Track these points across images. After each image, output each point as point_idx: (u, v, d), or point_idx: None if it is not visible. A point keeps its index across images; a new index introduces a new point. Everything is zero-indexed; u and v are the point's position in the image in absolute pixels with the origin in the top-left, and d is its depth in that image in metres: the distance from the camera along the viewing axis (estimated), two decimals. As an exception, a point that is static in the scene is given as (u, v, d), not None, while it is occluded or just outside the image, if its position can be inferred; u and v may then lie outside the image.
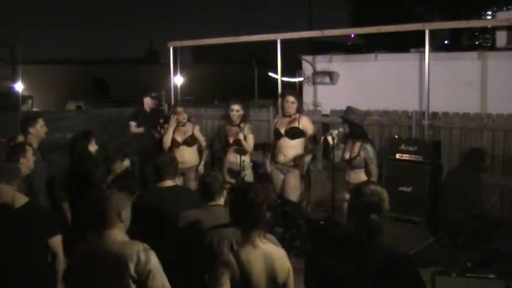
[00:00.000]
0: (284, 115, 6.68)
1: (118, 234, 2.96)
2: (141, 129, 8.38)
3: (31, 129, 5.41)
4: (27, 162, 4.68)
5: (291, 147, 6.53)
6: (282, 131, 6.58)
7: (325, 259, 2.70)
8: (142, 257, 2.87)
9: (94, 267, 2.93)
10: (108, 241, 2.93)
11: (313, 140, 6.79)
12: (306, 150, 6.64)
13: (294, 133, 6.52)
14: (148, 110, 8.63)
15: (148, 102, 8.63)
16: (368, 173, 5.84)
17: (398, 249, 2.65)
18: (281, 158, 6.57)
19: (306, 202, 7.21)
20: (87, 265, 2.98)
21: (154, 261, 2.90)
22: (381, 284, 2.52)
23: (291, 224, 6.15)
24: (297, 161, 6.51)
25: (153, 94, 8.71)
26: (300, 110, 6.74)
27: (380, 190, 2.72)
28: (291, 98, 6.56)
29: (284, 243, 5.01)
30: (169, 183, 4.39)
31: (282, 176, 6.62)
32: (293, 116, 6.57)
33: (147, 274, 2.86)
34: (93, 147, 5.32)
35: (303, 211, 6.73)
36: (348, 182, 5.90)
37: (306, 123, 6.61)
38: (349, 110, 5.96)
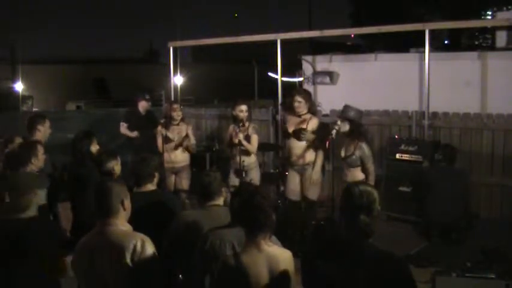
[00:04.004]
0: (294, 115, 6.45)
1: (121, 224, 3.06)
2: (134, 134, 8.27)
3: (40, 127, 5.41)
4: (38, 162, 4.62)
5: (300, 148, 6.37)
6: (290, 130, 6.42)
7: (320, 260, 2.69)
8: (139, 247, 2.95)
9: (95, 257, 3.01)
10: (110, 231, 3.02)
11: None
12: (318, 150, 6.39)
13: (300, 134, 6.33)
14: (143, 113, 8.54)
15: (143, 106, 8.53)
16: (365, 171, 5.84)
17: (389, 250, 2.62)
18: (294, 159, 6.44)
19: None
20: (89, 255, 3.04)
21: (149, 251, 2.98)
22: (372, 285, 2.51)
23: (301, 224, 6.14)
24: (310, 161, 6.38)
25: (147, 97, 8.64)
26: (312, 110, 6.49)
27: (370, 190, 2.70)
28: (297, 98, 6.34)
29: (291, 243, 4.99)
30: (149, 187, 4.19)
31: (298, 177, 6.50)
32: (303, 117, 6.36)
33: (142, 263, 2.94)
34: (94, 148, 5.32)
35: (315, 211, 6.64)
36: (345, 181, 5.88)
37: (315, 126, 6.34)
38: (347, 107, 5.92)
